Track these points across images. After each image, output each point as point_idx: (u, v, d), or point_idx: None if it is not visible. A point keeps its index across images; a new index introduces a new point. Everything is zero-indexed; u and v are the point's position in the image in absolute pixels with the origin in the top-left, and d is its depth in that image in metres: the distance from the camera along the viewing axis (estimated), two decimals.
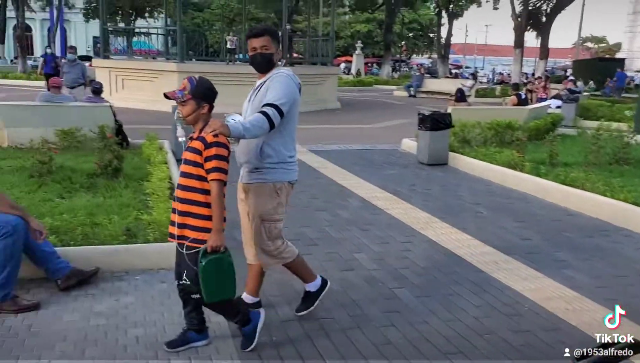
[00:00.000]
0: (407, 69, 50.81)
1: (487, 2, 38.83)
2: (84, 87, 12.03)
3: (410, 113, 17.89)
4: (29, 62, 33.78)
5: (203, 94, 3.00)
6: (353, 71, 40.12)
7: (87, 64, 14.73)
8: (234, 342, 3.34)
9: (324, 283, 3.78)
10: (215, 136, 2.90)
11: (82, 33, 57.54)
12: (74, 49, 12.64)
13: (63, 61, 12.97)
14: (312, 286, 3.74)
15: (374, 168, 8.98)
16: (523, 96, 15.16)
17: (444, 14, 40.02)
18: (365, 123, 15.37)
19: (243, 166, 3.39)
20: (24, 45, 33.21)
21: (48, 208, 5.33)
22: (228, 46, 22.42)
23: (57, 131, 8.64)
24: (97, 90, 10.06)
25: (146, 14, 39.78)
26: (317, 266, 4.59)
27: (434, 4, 43.69)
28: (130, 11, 38.00)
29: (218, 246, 2.93)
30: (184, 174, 2.99)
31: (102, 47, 18.76)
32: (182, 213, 2.97)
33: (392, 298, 4.06)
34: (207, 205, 2.93)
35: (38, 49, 56.42)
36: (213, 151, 2.91)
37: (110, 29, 20.65)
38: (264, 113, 3.11)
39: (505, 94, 23.12)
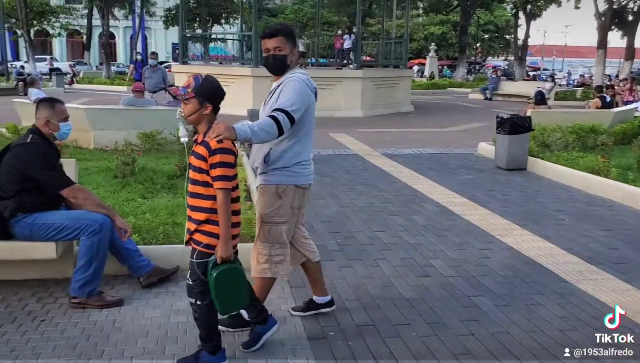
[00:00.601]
0: (482, 72, 49.66)
1: (567, 1, 37.47)
2: (164, 91, 12.48)
3: (486, 116, 17.46)
4: (113, 68, 35.42)
5: (206, 93, 2.84)
6: (426, 73, 39.59)
7: (166, 69, 15.25)
8: (310, 343, 3.33)
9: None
10: (220, 141, 2.75)
11: (161, 40, 59.81)
12: (155, 55, 13.15)
13: (145, 66, 13.49)
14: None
15: (449, 172, 8.79)
16: (608, 99, 14.42)
17: (521, 14, 38.82)
18: (440, 126, 15.09)
19: (254, 170, 3.39)
20: (108, 52, 34.88)
21: (131, 208, 5.53)
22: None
23: (139, 133, 8.98)
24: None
25: (222, 21, 40.85)
26: (392, 271, 4.54)
27: (510, 5, 42.46)
28: (207, 18, 39.14)
29: (227, 256, 2.83)
30: (191, 181, 2.90)
31: (180, 53, 19.39)
32: (192, 220, 2.90)
33: (471, 307, 3.93)
34: (216, 211, 2.82)
35: (121, 56, 59.15)
36: (217, 158, 2.76)
37: (188, 35, 21.30)
38: (274, 118, 3.01)
39: (587, 97, 22.12)
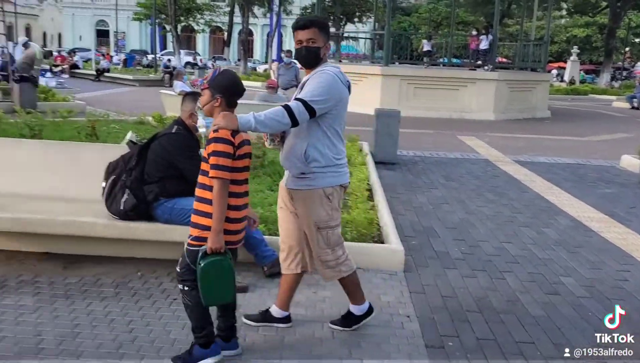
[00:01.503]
0: (630, 78, 45.80)
1: None
2: (296, 88, 12.81)
3: (631, 127, 16.12)
4: (249, 65, 37.04)
5: (219, 86, 2.86)
6: (566, 78, 37.31)
7: (299, 66, 15.66)
8: (428, 351, 3.26)
9: (370, 311, 3.49)
10: (215, 131, 2.78)
11: None
12: (290, 52, 13.50)
13: (279, 63, 13.96)
14: (358, 310, 3.46)
15: (586, 185, 8.21)
16: None
17: None
18: (579, 135, 14.14)
19: (287, 170, 3.20)
20: (247, 48, 36.53)
21: (259, 199, 5.74)
22: (424, 49, 22.30)
23: None
24: None
25: (355, 19, 41.21)
26: (518, 286, 4.32)
27: None
28: (341, 16, 39.71)
29: (217, 248, 2.78)
30: (200, 172, 2.92)
31: None
32: (195, 211, 2.91)
33: (604, 332, 3.63)
34: None
35: (257, 53, 61.71)
36: (211, 147, 2.78)
37: None
38: (286, 106, 2.90)
39: None
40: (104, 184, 4.03)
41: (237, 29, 44.21)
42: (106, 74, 29.50)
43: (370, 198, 6.00)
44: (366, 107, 16.44)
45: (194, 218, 2.90)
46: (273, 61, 12.78)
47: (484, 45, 18.76)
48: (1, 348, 3.05)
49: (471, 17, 43.06)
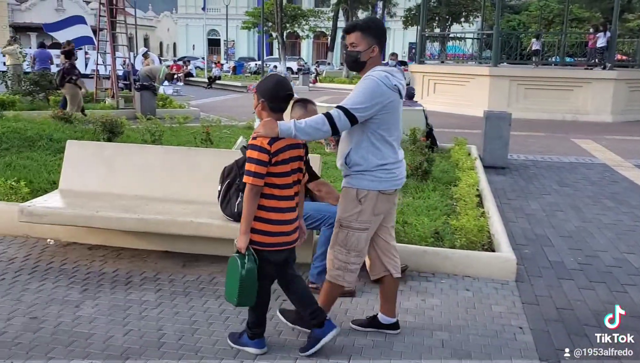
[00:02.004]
0: None
1: None
2: None
3: None
4: None
5: (262, 89, 2.98)
6: None
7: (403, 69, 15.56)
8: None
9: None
10: (254, 138, 2.89)
11: (399, 40, 61.23)
12: (395, 56, 13.53)
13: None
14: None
15: None
16: None
17: None
18: None
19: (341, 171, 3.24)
20: None
21: None
22: (533, 48, 21.33)
23: None
24: (411, 94, 10.55)
25: (462, 19, 40.29)
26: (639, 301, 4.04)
27: None
28: (447, 17, 38.98)
29: (240, 247, 2.94)
30: None
31: (418, 53, 19.61)
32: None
33: None
34: (262, 208, 2.96)
35: None
36: (248, 153, 2.91)
37: (426, 35, 21.43)
38: (327, 114, 2.91)
39: None
40: (219, 187, 4.22)
41: (340, 33, 44.78)
42: (217, 81, 30.87)
43: (480, 204, 5.83)
44: (473, 108, 16.07)
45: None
46: (385, 64, 12.54)
47: (600, 42, 17.68)
48: (128, 341, 3.28)
49: (586, 13, 40.69)
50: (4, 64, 18.53)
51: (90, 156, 5.03)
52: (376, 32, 3.11)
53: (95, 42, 17.89)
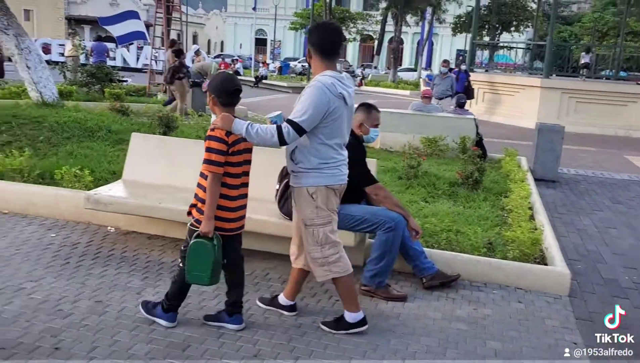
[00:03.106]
0: None
1: None
2: (450, 98, 12.71)
3: None
4: (398, 74, 37.15)
5: (212, 86, 3.26)
6: None
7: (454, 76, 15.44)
8: None
9: (363, 322, 3.48)
10: (212, 130, 3.17)
11: (447, 46, 60.76)
12: (446, 62, 13.45)
13: (427, 79, 13.91)
14: (350, 317, 3.49)
15: None
16: None
17: None
18: None
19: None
20: (397, 57, 36.70)
21: (414, 210, 5.79)
22: (582, 61, 20.87)
23: (422, 138, 9.33)
24: (462, 103, 10.50)
25: (512, 28, 39.72)
26: None
27: None
28: (497, 25, 38.48)
29: (206, 232, 3.15)
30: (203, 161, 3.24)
31: (468, 61, 19.43)
32: (196, 196, 3.27)
33: None
34: None
35: (406, 61, 61.65)
36: (206, 143, 3.17)
37: (476, 42, 21.22)
38: (279, 128, 3.12)
39: None
40: (277, 186, 4.32)
41: (387, 37, 44.61)
42: (264, 81, 31.21)
43: (532, 216, 5.79)
44: (522, 119, 15.87)
45: (198, 204, 3.26)
46: (449, 70, 12.27)
47: None
48: (188, 330, 3.40)
49: None
50: (62, 55, 19.18)
51: (153, 148, 5.20)
52: (314, 37, 3.31)
53: (148, 38, 18.34)
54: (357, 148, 4.09)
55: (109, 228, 5.08)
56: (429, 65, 52.88)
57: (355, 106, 3.70)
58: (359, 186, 4.04)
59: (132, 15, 17.95)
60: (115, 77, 14.18)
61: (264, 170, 4.76)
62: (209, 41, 77.93)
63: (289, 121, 3.16)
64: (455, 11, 44.56)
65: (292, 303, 3.74)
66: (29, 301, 3.61)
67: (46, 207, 5.26)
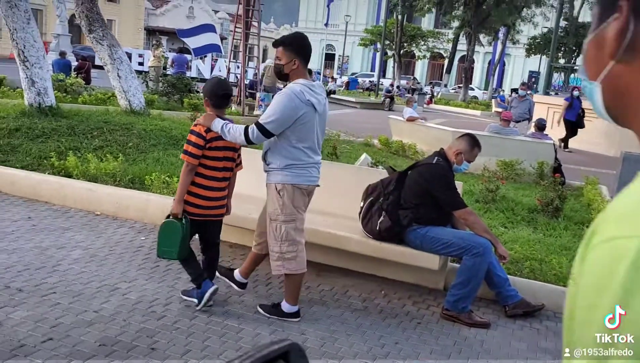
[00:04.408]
0: None
1: None
2: (527, 122, 12.45)
3: None
4: (469, 93, 36.67)
5: (205, 90, 3.73)
6: None
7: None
8: None
9: (297, 314, 3.76)
10: (195, 125, 3.63)
11: (519, 67, 59.50)
12: (525, 85, 13.19)
13: (513, 95, 13.67)
14: (287, 307, 3.74)
15: None
16: None
17: None
18: None
19: None
20: (468, 76, 36.25)
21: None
22: None
23: (498, 161, 9.16)
24: (542, 126, 10.27)
25: None
26: None
27: None
28: (574, 48, 37.42)
29: (175, 213, 3.59)
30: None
31: (544, 83, 18.98)
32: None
33: None
34: (192, 183, 3.62)
35: (476, 80, 60.74)
36: (188, 136, 3.60)
37: (554, 65, 20.69)
38: (246, 128, 3.46)
39: None
40: (361, 203, 4.37)
41: (458, 56, 44.12)
42: (332, 95, 31.49)
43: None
44: (601, 146, 15.29)
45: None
46: (565, 99, 11.90)
47: None
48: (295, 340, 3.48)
49: None
50: (141, 64, 20.01)
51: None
52: (297, 47, 3.55)
53: (222, 50, 18.88)
54: (448, 171, 4.10)
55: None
56: (499, 85, 51.93)
57: (461, 131, 3.75)
58: (448, 209, 4.04)
59: (208, 28, 18.54)
60: (193, 88, 14.67)
61: (348, 188, 4.85)
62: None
63: (257, 123, 3.49)
64: (529, 32, 43.68)
65: (244, 281, 4.10)
66: (125, 301, 3.80)
67: (137, 211, 5.51)
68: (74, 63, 18.09)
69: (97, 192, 5.68)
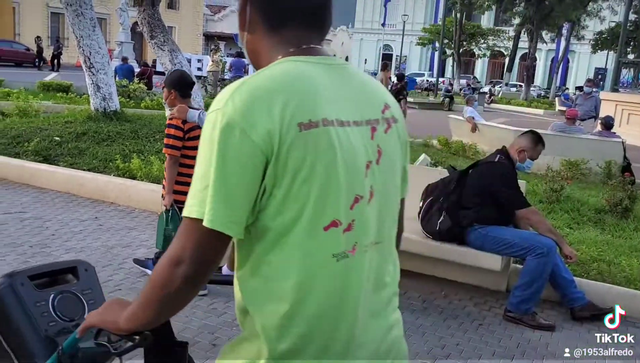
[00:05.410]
0: None
1: None
2: (594, 120, 11.98)
3: None
4: (531, 91, 35.67)
5: (170, 82, 3.92)
6: None
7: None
8: None
9: None
10: (170, 118, 3.81)
11: (584, 64, 57.39)
12: (591, 82, 12.68)
13: (577, 93, 13.19)
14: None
15: None
16: None
17: None
18: None
19: None
20: (530, 74, 35.27)
21: None
22: None
23: (563, 160, 8.84)
24: (610, 125, 9.85)
25: None
26: None
27: None
28: None
29: (166, 204, 3.84)
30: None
31: (612, 80, 18.23)
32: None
33: None
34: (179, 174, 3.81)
35: (539, 79, 58.96)
36: (166, 130, 3.80)
37: (623, 61, 19.86)
38: None
39: None
40: (420, 203, 4.31)
41: (519, 54, 43.02)
42: None
43: None
44: None
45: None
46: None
47: None
48: None
49: None
50: (199, 69, 20.47)
51: None
52: None
53: None
54: (510, 170, 3.99)
55: None
56: (563, 83, 50.23)
57: (524, 130, 3.65)
58: (511, 208, 3.94)
59: None
60: None
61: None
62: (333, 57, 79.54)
63: None
64: (595, 27, 42.03)
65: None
66: None
67: None
68: (137, 69, 18.70)
69: (160, 193, 5.83)
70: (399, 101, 13.31)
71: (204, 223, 1.03)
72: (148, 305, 1.11)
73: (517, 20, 35.83)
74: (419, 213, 4.30)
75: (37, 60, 30.26)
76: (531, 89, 37.01)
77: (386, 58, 68.35)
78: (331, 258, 1.09)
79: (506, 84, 41.66)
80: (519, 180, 4.22)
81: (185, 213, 1.06)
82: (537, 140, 4.04)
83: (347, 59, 78.37)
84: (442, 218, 4.11)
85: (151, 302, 1.10)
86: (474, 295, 4.34)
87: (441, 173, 4.79)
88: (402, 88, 14.20)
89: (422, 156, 7.99)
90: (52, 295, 1.50)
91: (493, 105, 30.55)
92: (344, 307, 1.11)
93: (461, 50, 40.60)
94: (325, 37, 1.24)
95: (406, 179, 1.34)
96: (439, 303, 4.17)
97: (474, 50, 46.45)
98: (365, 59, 69.97)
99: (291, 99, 1.05)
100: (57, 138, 7.55)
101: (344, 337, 1.11)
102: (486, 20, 57.15)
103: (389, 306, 1.24)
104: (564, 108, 18.53)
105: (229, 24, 58.08)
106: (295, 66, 1.12)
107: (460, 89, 33.48)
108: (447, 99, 26.34)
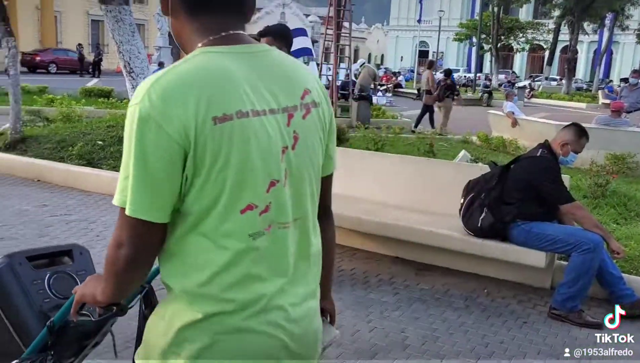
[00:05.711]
0: None
1: None
2: None
3: None
4: (573, 85, 34.82)
5: None
6: None
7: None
8: None
9: None
10: None
11: (628, 55, 55.69)
12: (637, 73, 12.26)
13: (622, 85, 12.80)
14: None
15: None
16: None
17: None
18: None
19: None
20: (572, 67, 34.44)
21: None
22: None
23: (608, 154, 8.60)
24: None
25: None
26: None
27: None
28: None
29: None
30: None
31: None
32: None
33: None
34: None
35: (580, 72, 57.51)
36: None
37: None
38: None
39: None
40: (462, 200, 4.24)
41: (559, 47, 42.04)
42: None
43: None
44: None
45: None
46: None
47: None
48: (374, 338, 3.46)
49: None
50: None
51: None
52: (284, 37, 3.67)
53: (313, 53, 19.16)
54: (553, 163, 3.90)
55: None
56: (606, 75, 48.84)
57: (566, 123, 3.56)
58: (555, 203, 3.84)
59: (301, 32, 18.78)
60: None
61: (446, 184, 4.74)
62: (369, 55, 79.26)
63: None
64: None
65: None
66: None
67: None
68: None
69: None
70: (446, 98, 13.53)
71: (127, 212, 1.13)
72: (107, 281, 1.24)
73: (557, 12, 35.01)
74: (460, 210, 4.23)
75: (83, 67, 31.21)
76: (573, 82, 36.10)
77: (422, 55, 67.77)
78: (247, 237, 1.19)
79: (546, 78, 40.75)
80: (562, 175, 4.12)
81: (113, 200, 1.17)
82: (580, 133, 3.93)
83: (382, 57, 78.02)
84: (483, 214, 4.03)
85: (108, 278, 1.23)
86: (517, 293, 4.25)
87: (482, 168, 4.70)
88: (451, 86, 14.21)
89: (462, 153, 7.88)
90: (48, 275, 1.70)
91: (533, 100, 29.92)
92: (262, 274, 1.21)
93: (499, 45, 39.85)
94: (249, 21, 1.30)
95: (332, 156, 1.40)
96: (481, 301, 4.10)
97: (513, 44, 45.59)
98: (402, 57, 69.50)
99: (205, 94, 1.13)
100: (100, 142, 7.73)
101: (263, 301, 1.21)
102: (524, 13, 55.98)
103: (309, 275, 1.33)
104: (608, 101, 18.03)
105: (264, 25, 58.37)
106: (211, 58, 1.18)
107: (500, 85, 32.86)
108: (485, 95, 25.95)
